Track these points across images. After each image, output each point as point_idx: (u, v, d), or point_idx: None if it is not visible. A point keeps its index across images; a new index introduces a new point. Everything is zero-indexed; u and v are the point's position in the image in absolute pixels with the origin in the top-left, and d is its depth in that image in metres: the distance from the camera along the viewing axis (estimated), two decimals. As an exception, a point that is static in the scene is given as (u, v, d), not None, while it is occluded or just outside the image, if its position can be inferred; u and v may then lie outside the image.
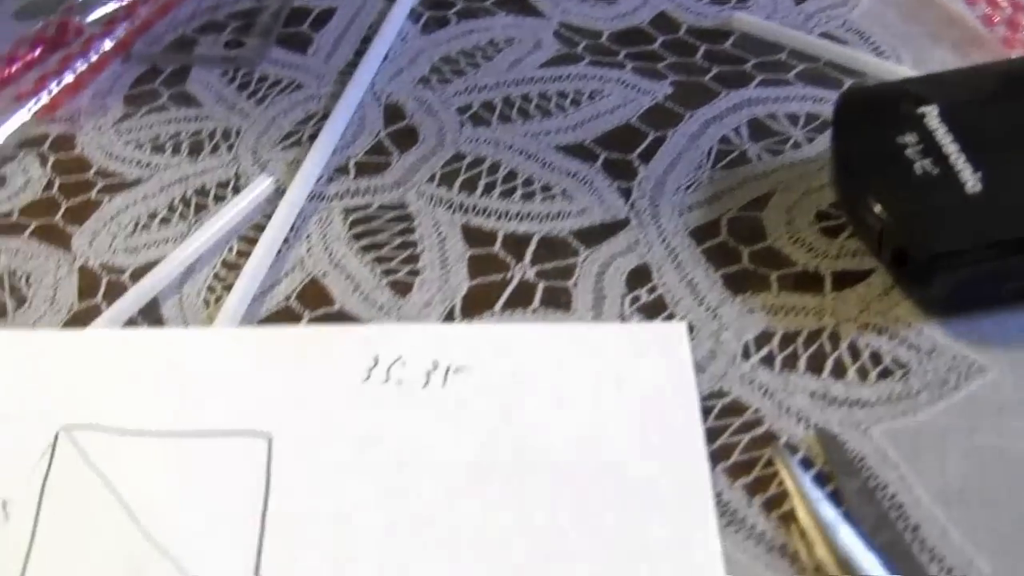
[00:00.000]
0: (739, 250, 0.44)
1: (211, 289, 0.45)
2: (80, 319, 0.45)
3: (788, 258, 0.44)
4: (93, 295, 0.46)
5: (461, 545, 0.35)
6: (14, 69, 0.58)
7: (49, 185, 0.52)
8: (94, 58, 0.59)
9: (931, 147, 0.41)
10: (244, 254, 0.46)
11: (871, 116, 0.44)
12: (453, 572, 0.34)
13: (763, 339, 0.41)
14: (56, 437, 0.39)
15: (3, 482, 0.38)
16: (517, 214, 0.47)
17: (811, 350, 0.40)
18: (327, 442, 0.38)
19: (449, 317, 0.43)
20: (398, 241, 0.47)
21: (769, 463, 0.37)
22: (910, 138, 0.42)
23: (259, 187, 0.49)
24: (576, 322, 0.42)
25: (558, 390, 0.39)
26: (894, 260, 0.41)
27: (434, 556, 0.35)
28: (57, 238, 0.49)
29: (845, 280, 0.43)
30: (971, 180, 0.40)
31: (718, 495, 0.36)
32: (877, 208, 0.40)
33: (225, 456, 0.38)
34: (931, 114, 0.43)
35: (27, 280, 0.47)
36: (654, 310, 0.42)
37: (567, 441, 0.37)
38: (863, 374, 0.39)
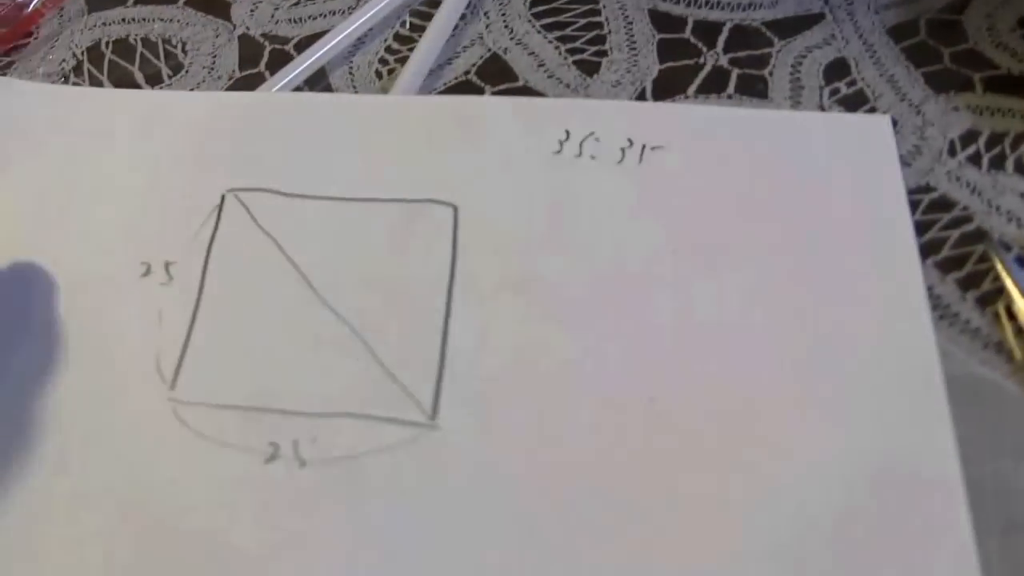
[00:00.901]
0: (939, 50, 0.42)
1: (383, 61, 0.44)
2: (242, 87, 0.43)
3: (991, 61, 0.42)
4: (255, 64, 0.44)
5: (656, 318, 0.34)
6: None
7: (202, -43, 0.50)
8: None
9: None
10: (418, 28, 0.44)
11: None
12: (647, 343, 0.33)
13: (969, 138, 0.39)
14: (223, 198, 0.38)
15: (168, 244, 0.37)
16: (707, 2, 0.45)
17: (1019, 152, 0.38)
18: (517, 212, 0.37)
19: (640, 98, 0.41)
20: (582, 22, 0.45)
21: (981, 259, 0.35)
22: None
23: (432, -38, 0.47)
24: (775, 109, 0.40)
25: (761, 175, 0.37)
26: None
27: (627, 324, 0.34)
28: (215, 7, 0.47)
29: (1051, 87, 0.41)
30: None
31: (929, 288, 0.35)
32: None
33: (409, 223, 0.37)
34: None
35: (183, 48, 0.45)
36: (855, 103, 0.40)
37: (771, 227, 0.36)
38: (1074, 180, 0.38)
